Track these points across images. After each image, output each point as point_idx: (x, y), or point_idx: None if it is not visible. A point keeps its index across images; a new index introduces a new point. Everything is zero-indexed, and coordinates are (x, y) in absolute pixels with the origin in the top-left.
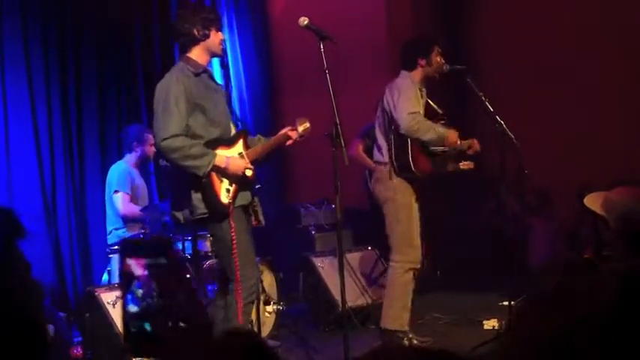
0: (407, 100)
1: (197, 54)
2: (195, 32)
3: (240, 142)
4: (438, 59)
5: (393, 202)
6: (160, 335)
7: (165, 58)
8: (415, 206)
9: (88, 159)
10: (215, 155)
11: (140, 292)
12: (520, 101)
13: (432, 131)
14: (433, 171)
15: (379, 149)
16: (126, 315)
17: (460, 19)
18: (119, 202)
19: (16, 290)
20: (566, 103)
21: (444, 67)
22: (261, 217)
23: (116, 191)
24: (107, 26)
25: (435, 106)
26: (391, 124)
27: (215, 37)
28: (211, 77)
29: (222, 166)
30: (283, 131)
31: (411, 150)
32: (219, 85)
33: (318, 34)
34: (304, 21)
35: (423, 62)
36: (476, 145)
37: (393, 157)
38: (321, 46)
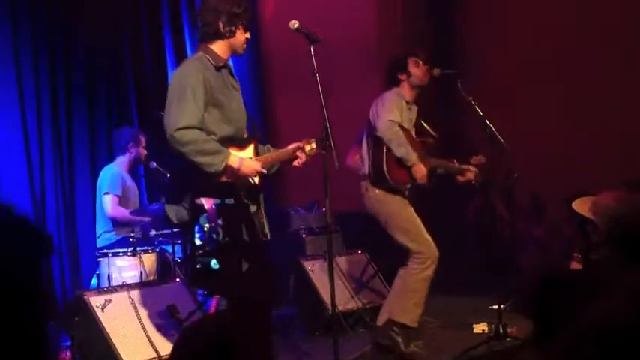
0: (388, 109)
1: (219, 48)
2: (221, 26)
3: (251, 148)
4: (417, 69)
5: (382, 214)
6: (224, 273)
7: (155, 62)
8: (407, 207)
9: (77, 162)
10: (229, 154)
11: (207, 225)
12: (511, 104)
13: (404, 149)
14: (411, 182)
15: (363, 162)
16: (192, 249)
17: (452, 23)
18: (108, 203)
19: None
20: (559, 106)
21: (435, 72)
22: (266, 230)
23: (106, 193)
24: (96, 30)
25: (428, 129)
26: (371, 134)
27: (241, 36)
28: (231, 73)
29: (236, 166)
30: (293, 146)
31: (386, 160)
32: (238, 82)
33: (308, 38)
34: (294, 24)
35: (403, 76)
36: (470, 174)
37: (370, 167)
38: (312, 50)
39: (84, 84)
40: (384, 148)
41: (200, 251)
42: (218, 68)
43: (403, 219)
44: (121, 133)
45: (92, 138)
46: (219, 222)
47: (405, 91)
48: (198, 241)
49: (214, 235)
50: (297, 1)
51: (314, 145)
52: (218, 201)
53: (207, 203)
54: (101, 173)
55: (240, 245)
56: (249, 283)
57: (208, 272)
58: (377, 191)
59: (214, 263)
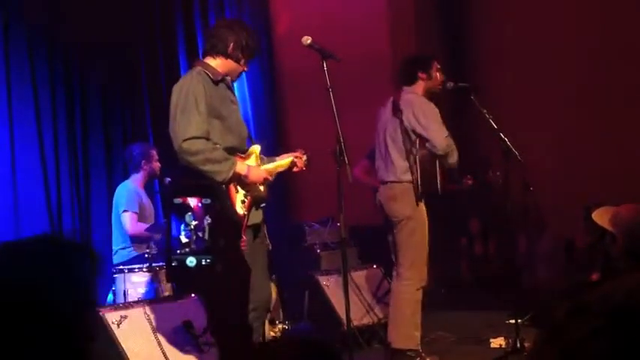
0: (437, 121)
1: (218, 64)
2: (231, 47)
3: (253, 157)
4: (438, 75)
5: (413, 220)
6: (201, 272)
7: (169, 78)
8: (426, 228)
9: (93, 179)
10: (236, 162)
11: (194, 223)
12: (521, 118)
13: (456, 155)
14: (450, 186)
15: (390, 168)
16: (172, 247)
17: (464, 36)
18: (127, 221)
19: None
20: (569, 120)
21: (448, 85)
22: (267, 240)
23: (125, 211)
24: (112, 46)
25: None
26: (413, 144)
27: (242, 66)
28: (229, 87)
29: (243, 173)
30: (291, 156)
31: (439, 171)
32: (235, 96)
33: (321, 53)
34: (307, 40)
35: (423, 76)
36: None
37: (419, 178)
38: (324, 65)
39: (99, 101)
40: (437, 161)
41: (186, 249)
42: (216, 82)
43: (424, 235)
44: (131, 151)
45: (108, 154)
46: (207, 220)
47: (420, 91)
48: (184, 239)
49: (200, 234)
50: (310, 17)
51: (305, 158)
52: (207, 201)
53: (192, 202)
54: (117, 190)
55: (226, 247)
56: (232, 285)
57: (184, 270)
58: (418, 201)
59: (190, 261)
